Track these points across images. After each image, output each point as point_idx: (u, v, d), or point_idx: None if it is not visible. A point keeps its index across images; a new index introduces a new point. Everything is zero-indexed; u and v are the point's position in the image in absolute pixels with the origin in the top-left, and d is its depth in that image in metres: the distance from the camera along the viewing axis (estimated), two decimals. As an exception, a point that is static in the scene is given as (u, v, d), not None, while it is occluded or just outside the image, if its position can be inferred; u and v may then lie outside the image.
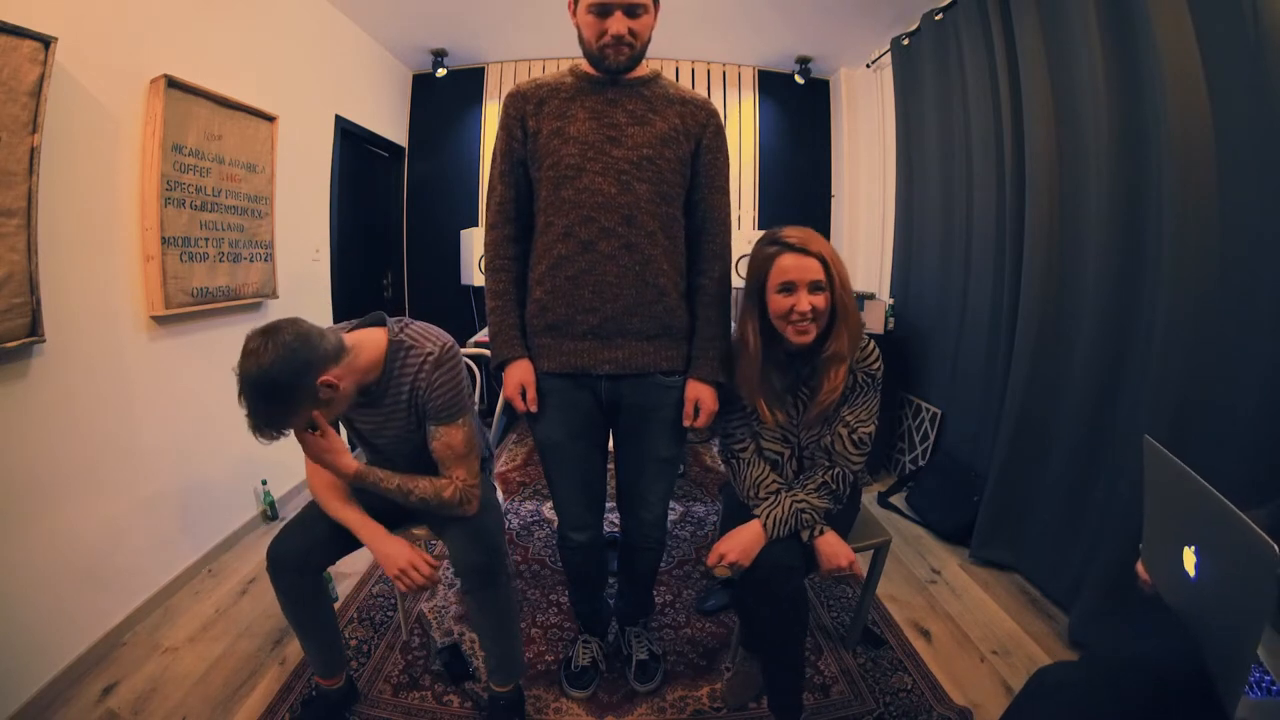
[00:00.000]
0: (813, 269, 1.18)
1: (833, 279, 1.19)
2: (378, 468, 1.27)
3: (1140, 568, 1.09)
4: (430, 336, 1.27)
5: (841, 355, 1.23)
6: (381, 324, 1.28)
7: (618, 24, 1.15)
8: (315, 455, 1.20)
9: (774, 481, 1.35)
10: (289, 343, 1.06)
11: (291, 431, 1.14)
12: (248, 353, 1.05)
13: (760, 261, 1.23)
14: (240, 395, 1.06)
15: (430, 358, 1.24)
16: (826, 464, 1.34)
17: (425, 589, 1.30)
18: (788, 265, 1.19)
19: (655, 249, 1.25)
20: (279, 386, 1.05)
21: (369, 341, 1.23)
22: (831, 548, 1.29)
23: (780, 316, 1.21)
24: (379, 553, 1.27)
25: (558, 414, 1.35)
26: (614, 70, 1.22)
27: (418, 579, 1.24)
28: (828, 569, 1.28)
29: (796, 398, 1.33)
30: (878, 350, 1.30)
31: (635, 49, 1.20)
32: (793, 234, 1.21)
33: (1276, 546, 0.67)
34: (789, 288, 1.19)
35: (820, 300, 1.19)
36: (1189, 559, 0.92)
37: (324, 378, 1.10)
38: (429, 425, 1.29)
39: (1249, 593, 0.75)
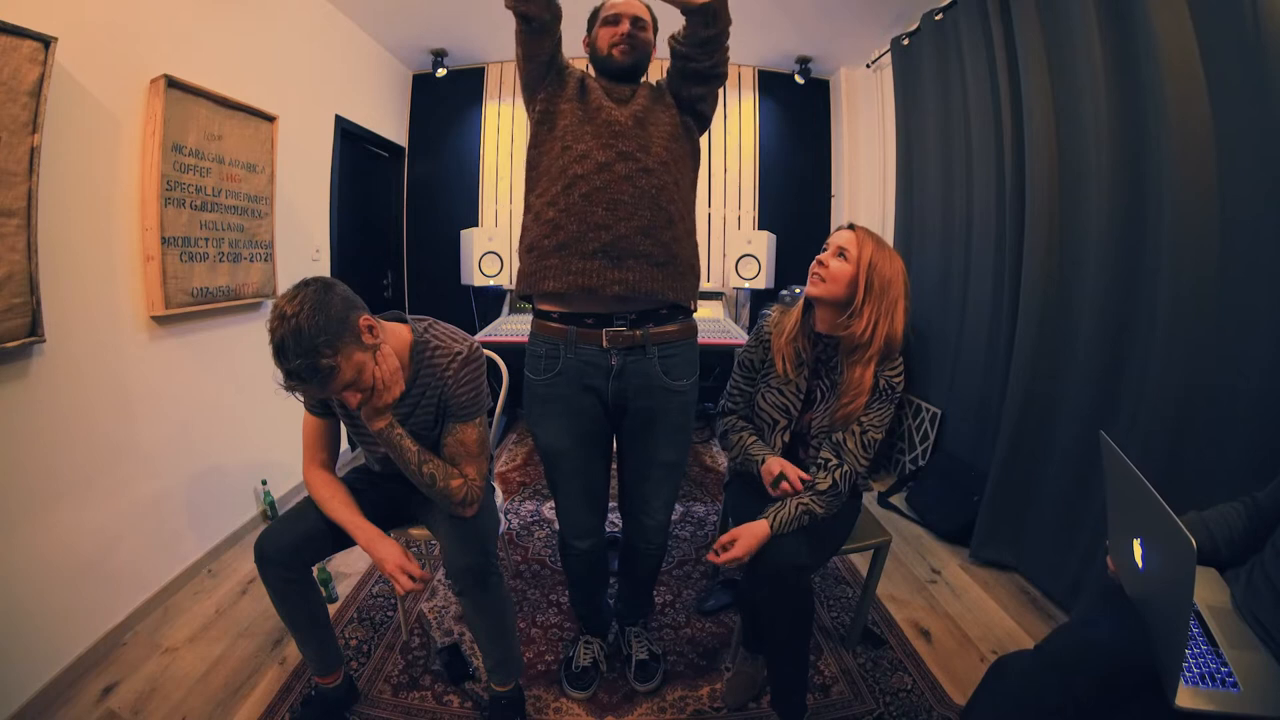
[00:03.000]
0: (846, 237, 1.32)
1: (862, 259, 1.29)
2: (396, 440, 1.25)
3: (1109, 558, 1.15)
4: (458, 337, 1.34)
5: (863, 346, 1.29)
6: (402, 321, 1.31)
7: (626, 25, 1.32)
8: (364, 397, 1.17)
9: (756, 441, 1.46)
10: (324, 283, 1.12)
11: (327, 389, 1.11)
12: (283, 304, 1.07)
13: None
14: (277, 352, 1.05)
15: (459, 356, 1.30)
16: (835, 461, 1.35)
17: (419, 590, 1.29)
18: (834, 236, 1.35)
19: (668, 177, 1.29)
20: (325, 322, 1.06)
21: (393, 332, 1.28)
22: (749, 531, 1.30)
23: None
24: (373, 555, 1.27)
25: (562, 420, 1.35)
26: (620, 67, 1.35)
27: (405, 584, 1.23)
28: (727, 557, 1.29)
29: (816, 378, 1.41)
30: (903, 367, 1.36)
31: (638, 49, 1.33)
32: (861, 226, 1.35)
33: (1194, 542, 0.75)
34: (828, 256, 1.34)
35: (844, 268, 1.30)
36: (1137, 550, 0.97)
37: (365, 317, 1.15)
38: (447, 422, 1.32)
39: (1178, 582, 0.81)
